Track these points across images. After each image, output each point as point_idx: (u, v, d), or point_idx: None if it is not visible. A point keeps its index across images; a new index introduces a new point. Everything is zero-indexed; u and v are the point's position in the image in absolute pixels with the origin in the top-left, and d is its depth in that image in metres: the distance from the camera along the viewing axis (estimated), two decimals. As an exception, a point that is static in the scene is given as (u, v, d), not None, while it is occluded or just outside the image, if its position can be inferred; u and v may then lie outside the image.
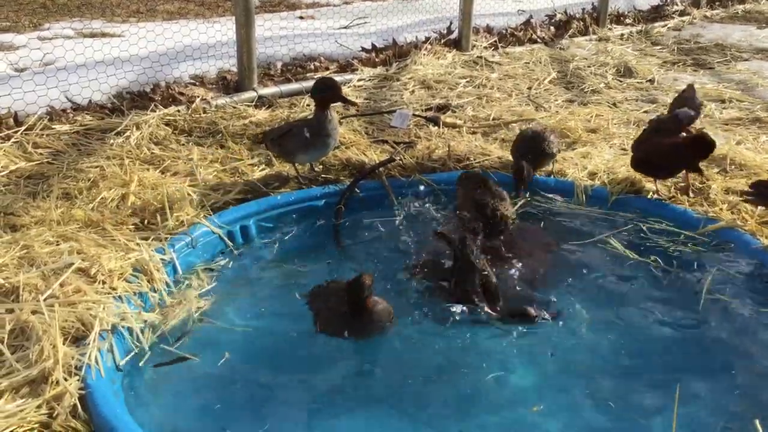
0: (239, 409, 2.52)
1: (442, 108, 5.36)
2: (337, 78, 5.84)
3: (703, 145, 3.72)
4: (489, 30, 7.67)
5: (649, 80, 6.53)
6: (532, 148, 4.02)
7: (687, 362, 2.78)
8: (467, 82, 6.07)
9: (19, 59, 5.54)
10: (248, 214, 3.65)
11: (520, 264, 3.37)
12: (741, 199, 3.72)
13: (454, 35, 7.12)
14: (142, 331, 2.74)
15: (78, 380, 2.38)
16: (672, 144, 3.80)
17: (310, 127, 3.84)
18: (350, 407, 2.53)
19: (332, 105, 3.89)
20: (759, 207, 3.66)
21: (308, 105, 5.20)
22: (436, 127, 4.91)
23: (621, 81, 6.49)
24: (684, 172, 3.96)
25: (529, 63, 6.84)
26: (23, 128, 4.32)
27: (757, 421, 2.33)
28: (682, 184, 4.02)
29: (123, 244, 3.18)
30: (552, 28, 8.17)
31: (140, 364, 2.65)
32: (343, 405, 2.54)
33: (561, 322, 2.95)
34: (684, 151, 3.74)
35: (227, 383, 2.62)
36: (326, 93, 3.85)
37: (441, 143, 4.53)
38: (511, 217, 3.54)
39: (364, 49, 6.66)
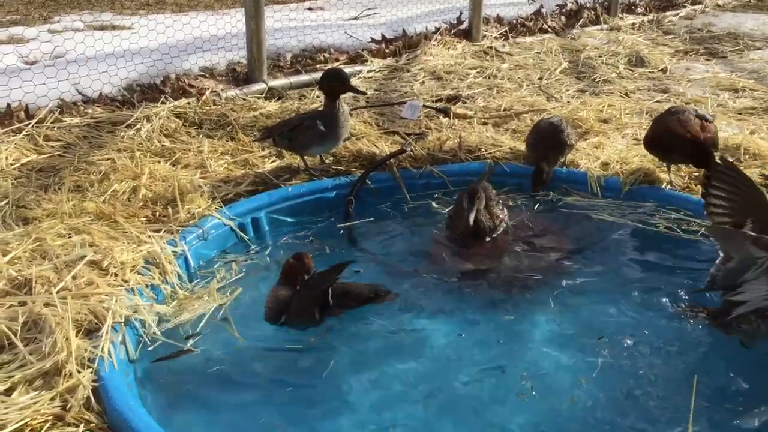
0: (249, 402, 2.51)
1: (453, 99, 5.33)
2: (347, 69, 5.83)
3: (702, 156, 3.67)
4: (499, 20, 7.63)
5: (662, 70, 6.48)
6: (548, 139, 3.99)
7: (702, 351, 2.77)
8: (478, 72, 6.04)
9: (29, 52, 5.55)
10: (259, 206, 3.64)
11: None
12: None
13: (465, 25, 7.08)
14: (155, 324, 2.74)
15: (91, 372, 2.38)
16: (680, 131, 3.74)
17: (323, 118, 3.82)
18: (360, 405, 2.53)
19: (342, 96, 3.88)
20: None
21: (318, 97, 5.19)
22: (447, 118, 4.88)
23: (633, 71, 6.44)
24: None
25: (540, 53, 6.79)
26: (34, 121, 4.32)
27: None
28: (697, 174, 3.98)
29: (135, 236, 3.17)
30: (563, 17, 8.12)
31: (152, 357, 2.66)
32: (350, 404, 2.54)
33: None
34: (686, 144, 3.69)
35: (238, 377, 2.62)
36: (334, 84, 3.84)
37: (452, 134, 4.51)
38: (499, 220, 3.52)
39: (373, 40, 6.63)
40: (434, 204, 3.91)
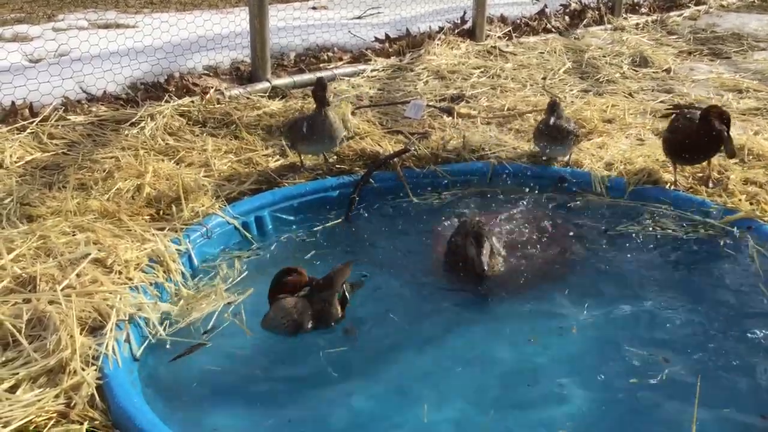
0: (254, 400, 2.52)
1: (456, 98, 5.33)
2: (351, 69, 5.87)
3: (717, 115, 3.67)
4: (503, 20, 7.62)
5: (665, 70, 6.47)
6: (553, 129, 4.01)
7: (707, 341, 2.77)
8: (481, 72, 6.04)
9: (34, 50, 5.55)
10: (263, 205, 3.65)
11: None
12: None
13: (468, 25, 7.08)
14: (159, 322, 2.75)
15: (95, 370, 2.39)
16: (696, 124, 3.74)
17: (309, 121, 3.92)
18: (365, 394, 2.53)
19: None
20: None
21: (322, 96, 5.19)
22: (451, 118, 4.88)
23: (636, 71, 6.43)
24: (706, 163, 3.91)
25: (543, 53, 6.79)
26: (38, 119, 4.33)
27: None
28: (701, 175, 3.98)
29: (139, 234, 3.18)
30: (567, 17, 8.11)
31: (156, 355, 2.66)
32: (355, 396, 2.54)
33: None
34: (705, 125, 3.67)
35: (243, 375, 2.63)
36: (315, 91, 3.94)
37: (455, 134, 4.51)
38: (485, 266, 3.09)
39: (377, 39, 6.63)
40: (437, 203, 3.91)
